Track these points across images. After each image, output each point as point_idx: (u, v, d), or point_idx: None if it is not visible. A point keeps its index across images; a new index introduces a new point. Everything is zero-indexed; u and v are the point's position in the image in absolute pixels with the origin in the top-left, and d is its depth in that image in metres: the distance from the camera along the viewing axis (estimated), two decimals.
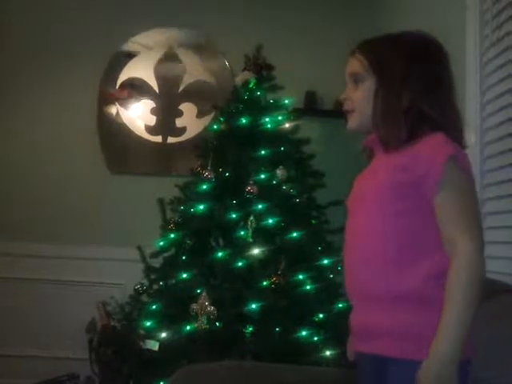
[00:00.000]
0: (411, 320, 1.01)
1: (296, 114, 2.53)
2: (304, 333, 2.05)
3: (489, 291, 1.28)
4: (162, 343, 2.07)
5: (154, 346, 2.06)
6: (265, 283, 2.08)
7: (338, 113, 1.20)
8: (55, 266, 2.91)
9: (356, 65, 1.15)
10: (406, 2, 2.67)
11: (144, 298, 2.31)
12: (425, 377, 0.95)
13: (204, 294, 2.05)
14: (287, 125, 2.46)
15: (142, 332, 2.12)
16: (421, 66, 1.11)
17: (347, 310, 1.16)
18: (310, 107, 3.05)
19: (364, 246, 1.09)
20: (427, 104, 1.08)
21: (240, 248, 2.17)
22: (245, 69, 2.53)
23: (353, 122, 1.17)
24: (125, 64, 3.13)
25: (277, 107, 2.47)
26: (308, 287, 2.13)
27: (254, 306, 2.04)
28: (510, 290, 1.34)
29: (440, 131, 1.05)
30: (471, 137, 1.81)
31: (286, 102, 2.49)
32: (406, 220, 1.04)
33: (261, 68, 2.50)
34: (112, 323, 2.36)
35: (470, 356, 1.02)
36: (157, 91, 3.15)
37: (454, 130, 1.08)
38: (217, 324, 2.03)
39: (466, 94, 1.85)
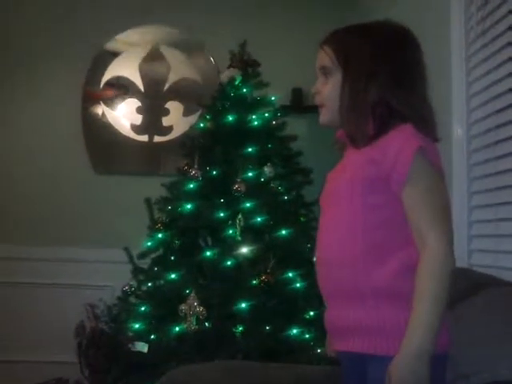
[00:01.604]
0: (384, 316, 0.99)
1: (283, 111, 2.51)
2: (295, 331, 2.03)
3: (477, 285, 1.28)
4: (151, 345, 2.04)
5: (143, 347, 2.04)
6: (254, 282, 2.07)
7: None
8: (41, 269, 2.88)
9: (324, 58, 1.11)
10: None
11: (132, 299, 2.29)
12: (395, 371, 0.93)
13: (193, 294, 2.03)
14: (274, 122, 2.44)
15: (130, 334, 2.10)
16: (389, 58, 1.06)
17: None
18: (297, 104, 3.04)
19: (334, 242, 1.06)
20: (395, 98, 1.04)
21: (228, 247, 2.15)
22: (230, 66, 2.50)
23: (324, 117, 1.14)
24: (109, 63, 3.10)
25: (263, 104, 2.45)
26: (298, 285, 2.11)
27: (243, 305, 2.02)
28: (497, 283, 1.33)
29: (409, 123, 1.02)
30: (458, 130, 1.80)
31: (273, 98, 2.47)
32: (376, 215, 1.02)
33: (246, 65, 2.48)
34: (100, 326, 2.33)
35: (447, 350, 1.01)
36: (142, 90, 3.11)
37: (423, 123, 1.05)
38: (206, 324, 2.01)
39: (452, 87, 1.84)
